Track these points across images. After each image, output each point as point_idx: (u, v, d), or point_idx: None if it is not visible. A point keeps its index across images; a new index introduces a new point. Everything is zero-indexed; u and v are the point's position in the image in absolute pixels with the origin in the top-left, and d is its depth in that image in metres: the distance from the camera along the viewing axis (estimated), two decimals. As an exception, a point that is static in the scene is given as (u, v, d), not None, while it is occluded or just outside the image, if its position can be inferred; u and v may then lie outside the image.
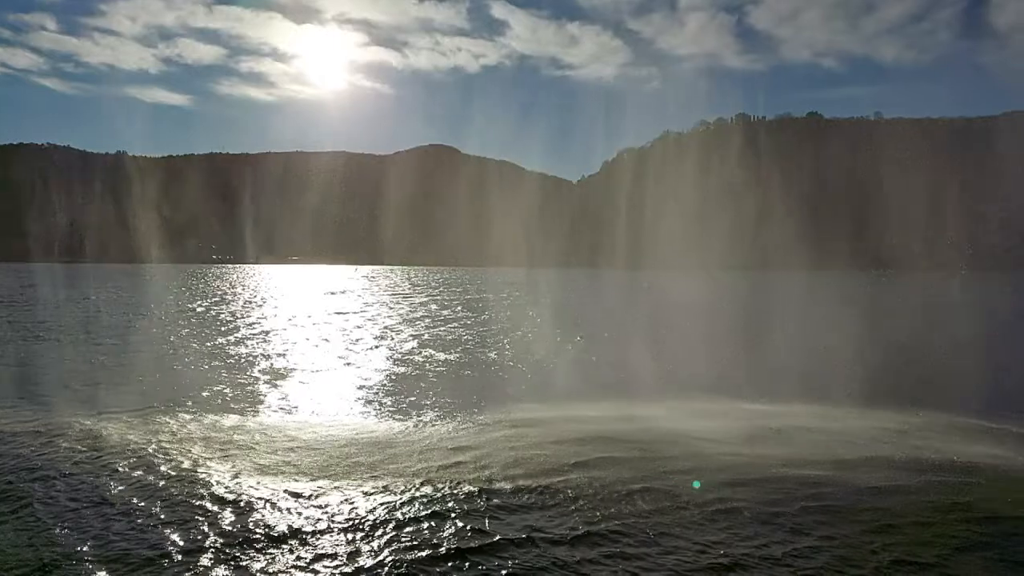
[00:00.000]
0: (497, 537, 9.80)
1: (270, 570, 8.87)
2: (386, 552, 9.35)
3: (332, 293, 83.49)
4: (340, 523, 10.27)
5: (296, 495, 11.34)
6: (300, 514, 10.58)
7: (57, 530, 9.94)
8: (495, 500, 11.21)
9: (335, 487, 11.72)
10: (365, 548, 9.48)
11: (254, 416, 17.50)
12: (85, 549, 9.37)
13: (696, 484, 11.79)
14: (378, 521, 10.32)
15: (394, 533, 9.93)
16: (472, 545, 9.58)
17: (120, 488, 11.59)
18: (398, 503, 11.00)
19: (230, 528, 10.05)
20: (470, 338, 36.06)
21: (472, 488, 11.67)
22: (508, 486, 11.79)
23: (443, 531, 10.02)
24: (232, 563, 9.06)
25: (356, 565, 9.03)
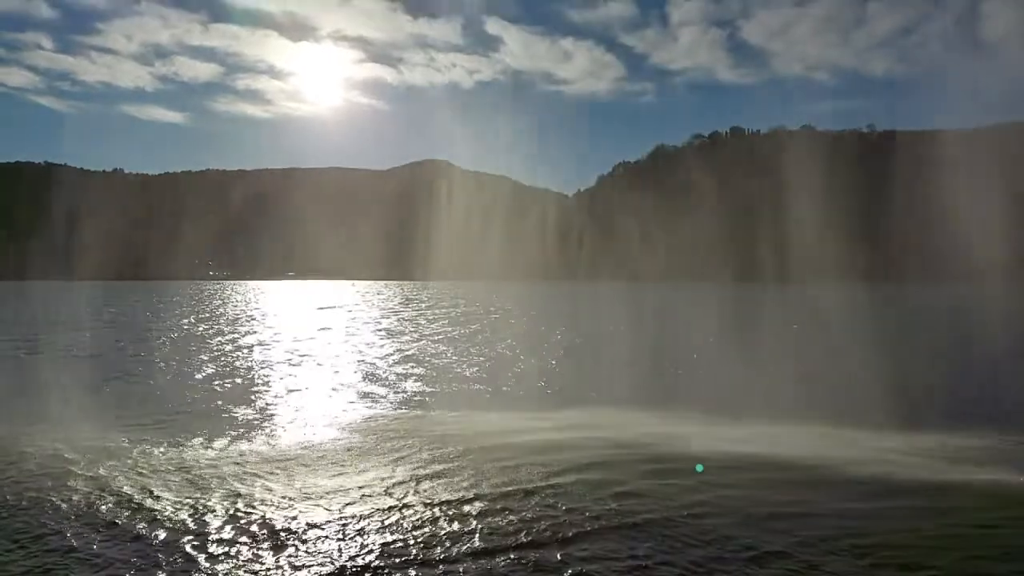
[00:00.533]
0: (475, 545, 9.68)
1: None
2: (356, 562, 9.21)
3: (322, 308, 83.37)
4: (309, 537, 10.05)
5: (262, 510, 11.11)
6: (266, 528, 10.35)
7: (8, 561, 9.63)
8: (468, 508, 11.11)
9: (302, 502, 11.49)
10: (334, 560, 9.29)
11: (223, 433, 17.19)
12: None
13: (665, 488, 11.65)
14: (347, 534, 10.15)
15: (365, 546, 9.74)
16: (446, 555, 9.47)
17: (78, 512, 11.27)
18: (370, 515, 10.84)
19: (191, 550, 9.74)
20: (448, 351, 35.81)
21: (447, 497, 11.60)
22: (484, 494, 11.71)
23: (416, 540, 9.89)
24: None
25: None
